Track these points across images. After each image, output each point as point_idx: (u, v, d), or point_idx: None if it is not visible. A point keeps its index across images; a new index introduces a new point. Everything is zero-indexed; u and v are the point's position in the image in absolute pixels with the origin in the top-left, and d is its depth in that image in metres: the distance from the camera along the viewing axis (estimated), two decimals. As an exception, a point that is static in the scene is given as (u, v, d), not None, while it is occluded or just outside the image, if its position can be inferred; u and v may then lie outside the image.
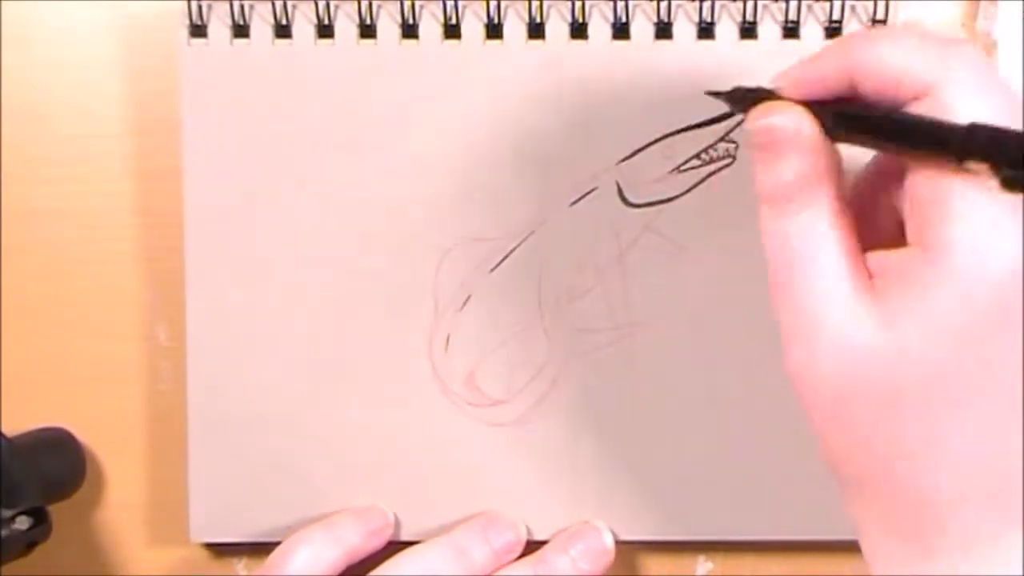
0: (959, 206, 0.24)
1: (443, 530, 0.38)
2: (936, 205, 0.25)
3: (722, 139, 0.38)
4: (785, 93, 0.28)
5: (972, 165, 0.24)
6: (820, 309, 0.26)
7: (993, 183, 0.23)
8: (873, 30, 0.27)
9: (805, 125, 0.27)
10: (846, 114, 0.27)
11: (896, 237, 0.27)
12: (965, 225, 0.24)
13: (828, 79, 0.27)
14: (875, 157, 0.29)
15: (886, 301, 0.26)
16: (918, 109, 0.25)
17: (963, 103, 0.25)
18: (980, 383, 0.25)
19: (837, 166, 0.28)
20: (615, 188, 0.38)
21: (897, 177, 0.27)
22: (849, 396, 0.26)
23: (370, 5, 0.38)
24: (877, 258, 0.27)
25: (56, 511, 0.37)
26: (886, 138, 0.27)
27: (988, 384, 0.25)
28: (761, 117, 0.28)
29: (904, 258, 0.26)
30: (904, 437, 0.25)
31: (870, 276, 0.27)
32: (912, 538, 0.26)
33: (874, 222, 0.28)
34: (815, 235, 0.27)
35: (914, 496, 0.26)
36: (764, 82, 0.38)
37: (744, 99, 0.30)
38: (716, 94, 0.32)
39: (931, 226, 0.25)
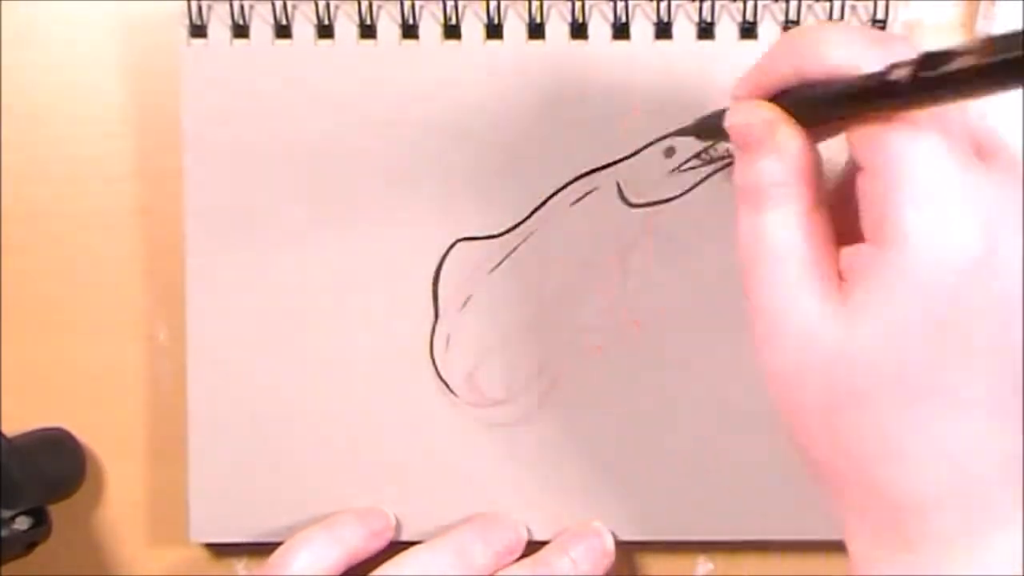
0: (908, 198, 0.24)
1: (443, 530, 0.38)
2: (886, 198, 0.25)
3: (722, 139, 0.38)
4: (739, 94, 0.29)
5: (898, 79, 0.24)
6: (785, 308, 0.26)
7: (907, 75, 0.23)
8: (814, 26, 0.28)
9: (779, 122, 0.27)
10: (804, 97, 0.27)
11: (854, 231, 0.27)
12: (915, 217, 0.24)
13: (781, 80, 0.28)
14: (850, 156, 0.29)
15: (849, 300, 0.25)
16: None
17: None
18: (944, 380, 0.25)
19: (815, 166, 0.28)
20: (615, 188, 0.38)
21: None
22: (816, 397, 0.26)
23: (370, 5, 0.38)
24: (843, 256, 0.27)
25: (56, 511, 0.37)
26: (841, 105, 0.26)
27: (953, 380, 0.25)
28: (738, 115, 0.28)
29: (863, 254, 0.26)
30: (873, 438, 0.25)
31: (840, 276, 0.26)
32: (891, 539, 0.26)
33: (852, 221, 0.28)
34: (785, 234, 0.27)
35: (889, 497, 0.26)
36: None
37: (713, 126, 0.31)
38: (682, 132, 0.34)
39: (884, 220, 0.25)
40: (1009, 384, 0.25)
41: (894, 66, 0.24)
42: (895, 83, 0.24)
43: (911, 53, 0.24)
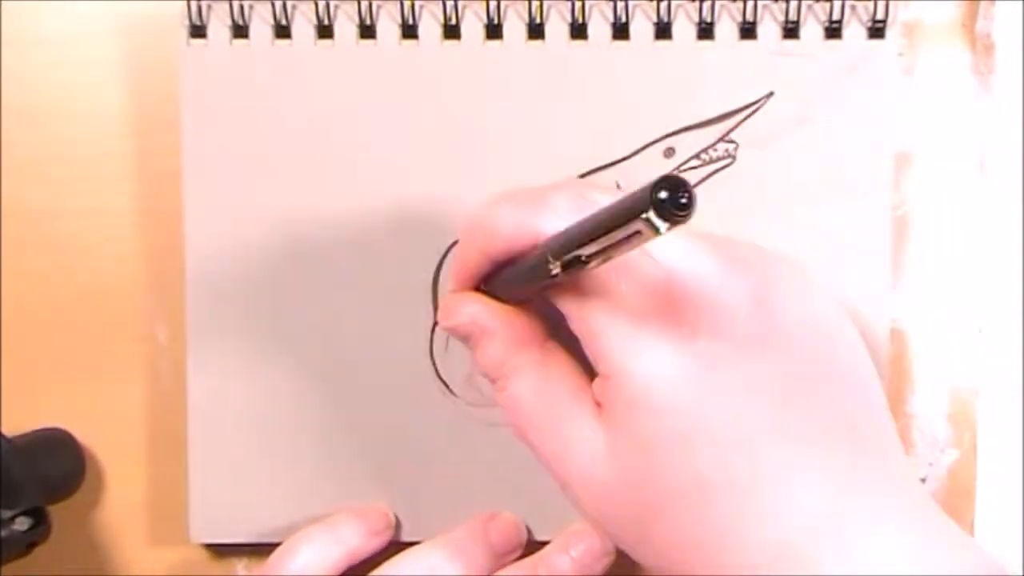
0: (602, 339, 0.27)
1: (443, 530, 0.38)
2: (589, 339, 0.28)
3: (722, 139, 0.38)
4: (453, 290, 0.31)
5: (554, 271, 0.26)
6: (565, 455, 0.28)
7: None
8: (480, 208, 0.30)
9: (482, 313, 0.30)
10: (501, 280, 0.30)
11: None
12: (612, 356, 0.27)
13: (477, 268, 0.30)
14: None
15: (607, 430, 0.27)
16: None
17: (556, 226, 0.27)
18: (679, 494, 0.26)
19: (533, 325, 0.30)
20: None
21: None
22: (622, 515, 0.28)
23: (370, 5, 0.38)
24: (594, 387, 0.28)
25: (56, 511, 0.37)
26: (530, 285, 0.29)
27: (687, 491, 0.26)
28: (448, 318, 0.31)
29: (600, 386, 0.28)
30: (656, 553, 0.27)
31: (598, 404, 0.28)
32: None
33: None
34: (536, 394, 0.29)
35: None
36: (764, 83, 0.38)
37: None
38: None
39: (596, 358, 0.28)
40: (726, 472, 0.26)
41: (550, 263, 0.26)
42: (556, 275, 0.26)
43: (564, 219, 0.27)
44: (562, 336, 0.30)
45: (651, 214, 0.22)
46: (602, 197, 0.28)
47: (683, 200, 0.22)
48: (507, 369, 0.30)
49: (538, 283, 0.28)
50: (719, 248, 0.28)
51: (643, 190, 0.23)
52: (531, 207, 0.28)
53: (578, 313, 0.28)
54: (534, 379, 0.29)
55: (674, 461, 0.26)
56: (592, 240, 0.25)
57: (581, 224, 0.25)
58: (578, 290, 0.28)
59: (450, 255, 0.39)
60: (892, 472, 0.27)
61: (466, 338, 0.31)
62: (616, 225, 0.24)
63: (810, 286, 0.28)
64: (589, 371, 0.29)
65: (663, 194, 0.22)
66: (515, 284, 0.30)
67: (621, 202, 0.23)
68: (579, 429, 0.28)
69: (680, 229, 0.23)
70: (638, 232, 0.23)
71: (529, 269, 0.28)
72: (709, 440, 0.26)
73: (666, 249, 0.27)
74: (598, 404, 0.28)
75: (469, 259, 0.30)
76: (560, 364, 0.30)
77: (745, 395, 0.26)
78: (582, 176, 0.38)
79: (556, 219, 0.27)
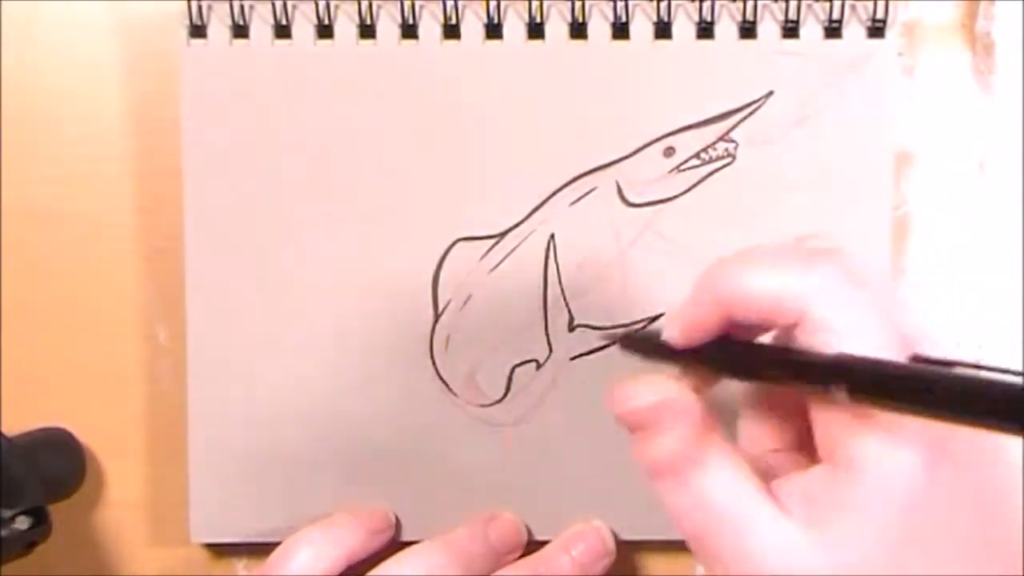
0: (856, 423, 0.25)
1: (443, 530, 0.38)
2: (836, 422, 0.25)
3: (722, 138, 0.38)
4: (673, 343, 0.28)
5: (836, 395, 0.24)
6: (761, 560, 0.26)
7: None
8: (735, 259, 0.27)
9: (674, 394, 0.27)
10: (722, 358, 0.28)
11: (790, 444, 0.28)
12: (863, 442, 0.25)
13: (709, 321, 0.27)
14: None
15: (818, 525, 0.25)
16: (798, 332, 0.26)
17: (833, 319, 0.25)
18: None
19: (713, 412, 0.27)
20: (615, 188, 0.38)
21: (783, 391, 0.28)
22: None
23: (370, 5, 0.38)
24: (789, 483, 0.26)
25: (56, 511, 0.37)
26: (761, 375, 0.27)
27: None
28: (626, 401, 0.28)
29: (824, 478, 0.26)
30: None
31: (776, 499, 0.26)
32: None
33: (768, 434, 0.29)
34: (724, 492, 0.26)
35: None
36: (764, 82, 0.38)
37: (638, 343, 0.31)
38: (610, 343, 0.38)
39: (838, 444, 0.25)
40: None
41: (832, 385, 0.24)
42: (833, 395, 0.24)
43: (832, 270, 0.25)
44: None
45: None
46: (863, 272, 0.26)
47: None
48: (693, 461, 0.27)
49: (803, 387, 0.26)
50: None
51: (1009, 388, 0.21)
52: (795, 275, 0.26)
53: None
54: (727, 472, 0.27)
55: (912, 557, 0.25)
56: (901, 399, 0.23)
57: (899, 371, 0.24)
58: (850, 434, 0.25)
59: (451, 254, 0.39)
60: None
61: (645, 425, 0.27)
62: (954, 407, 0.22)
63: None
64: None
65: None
66: (769, 372, 0.27)
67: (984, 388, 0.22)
68: (772, 525, 0.26)
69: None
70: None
71: (801, 379, 0.26)
72: (933, 541, 0.25)
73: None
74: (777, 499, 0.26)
75: (704, 317, 0.27)
76: (740, 456, 0.27)
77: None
78: (581, 176, 0.38)
79: (823, 295, 0.25)
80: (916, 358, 0.24)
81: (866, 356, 0.24)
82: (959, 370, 0.23)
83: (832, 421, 0.25)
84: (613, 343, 0.38)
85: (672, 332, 0.28)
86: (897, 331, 0.25)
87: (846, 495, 0.25)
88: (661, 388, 0.27)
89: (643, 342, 0.31)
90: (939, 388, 0.23)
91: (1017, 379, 0.22)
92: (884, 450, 0.25)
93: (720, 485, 0.27)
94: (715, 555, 0.27)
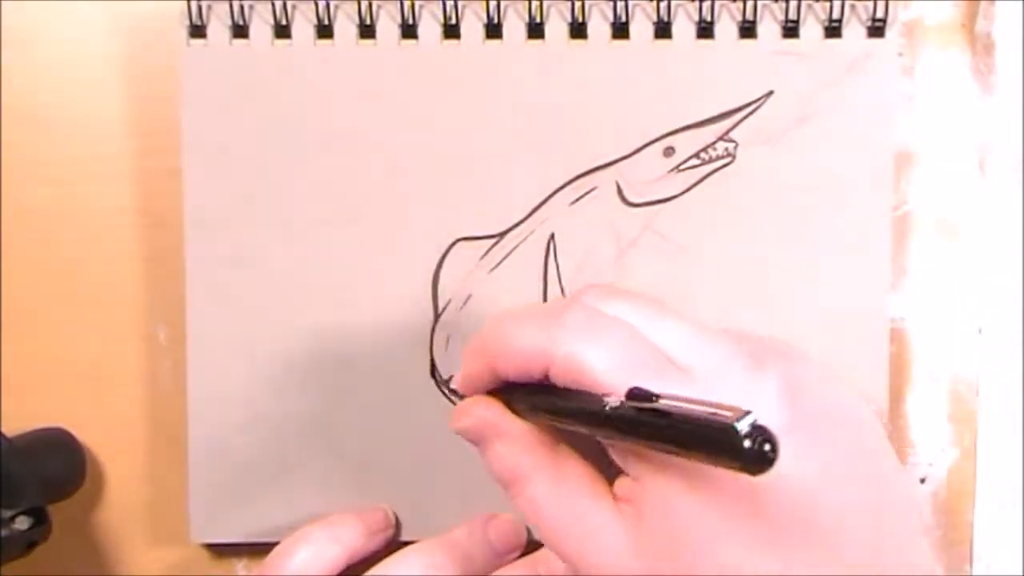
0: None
1: (443, 530, 0.38)
2: (615, 450, 0.28)
3: (721, 138, 0.38)
4: (462, 392, 0.31)
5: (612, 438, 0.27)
6: (589, 553, 0.27)
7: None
8: (495, 320, 0.29)
9: (492, 415, 0.29)
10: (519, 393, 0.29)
11: None
12: (642, 461, 0.27)
13: (487, 383, 0.30)
14: None
15: (632, 527, 0.27)
16: (554, 376, 0.27)
17: (582, 362, 0.27)
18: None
19: (546, 427, 0.29)
20: (615, 188, 0.38)
21: None
22: None
23: (370, 5, 0.38)
24: (619, 485, 0.28)
25: (56, 511, 0.37)
26: (548, 417, 0.29)
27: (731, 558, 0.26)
28: (454, 422, 0.30)
29: (627, 487, 0.28)
30: None
31: (616, 499, 0.28)
32: None
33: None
34: (553, 496, 0.28)
35: None
36: (764, 82, 0.38)
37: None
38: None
39: (625, 463, 0.27)
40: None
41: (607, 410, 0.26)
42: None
43: (575, 320, 0.27)
44: (570, 437, 0.29)
45: (736, 462, 0.22)
46: (618, 305, 0.28)
47: (769, 452, 0.22)
48: (521, 473, 0.29)
49: (589, 426, 0.27)
50: (739, 344, 0.28)
51: (725, 431, 0.23)
52: (543, 329, 0.28)
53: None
54: (550, 481, 0.29)
55: (700, 558, 0.26)
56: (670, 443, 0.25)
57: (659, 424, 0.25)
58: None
59: (451, 254, 0.39)
60: (915, 561, 0.26)
61: (477, 441, 0.30)
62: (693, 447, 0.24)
63: (830, 375, 0.28)
64: (602, 469, 0.29)
65: (747, 443, 0.22)
66: (555, 416, 0.29)
67: (704, 431, 0.23)
68: (601, 527, 0.27)
69: (696, 325, 0.25)
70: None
71: (579, 411, 0.27)
72: (738, 540, 0.25)
73: (686, 353, 0.27)
74: (616, 500, 0.28)
75: (479, 374, 0.30)
76: (574, 465, 0.29)
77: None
78: (581, 176, 0.38)
79: (572, 338, 0.27)
80: (631, 391, 0.25)
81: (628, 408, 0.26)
82: (662, 403, 0.25)
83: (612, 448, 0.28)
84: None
85: (457, 385, 0.32)
86: (627, 358, 0.27)
87: (645, 502, 0.27)
88: (484, 410, 0.30)
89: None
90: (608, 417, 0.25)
91: (721, 415, 0.23)
92: (661, 461, 0.26)
93: (547, 491, 0.28)
94: (559, 555, 0.28)
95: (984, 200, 0.40)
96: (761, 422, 0.23)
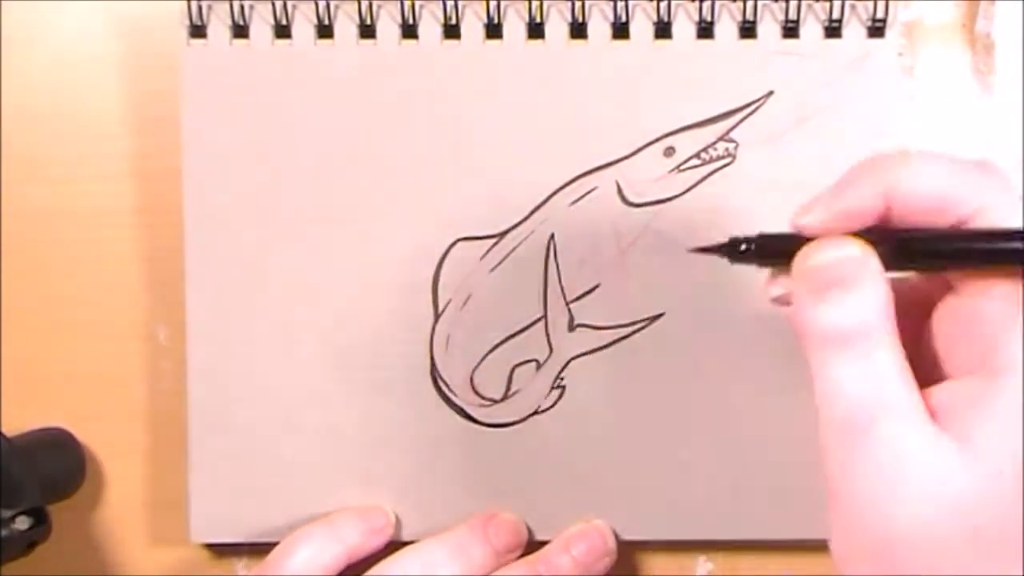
0: (1015, 327, 0.24)
1: (443, 530, 0.38)
2: (1001, 326, 0.24)
3: (722, 138, 0.38)
4: (811, 233, 0.26)
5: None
6: (905, 459, 0.24)
7: None
8: (902, 154, 0.26)
9: (870, 257, 0.25)
10: (904, 240, 0.26)
11: (929, 368, 0.26)
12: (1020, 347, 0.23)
13: (861, 209, 0.26)
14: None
15: (966, 436, 0.24)
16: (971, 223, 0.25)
17: (1006, 221, 0.24)
18: None
19: (891, 300, 0.26)
20: (615, 188, 0.38)
21: (926, 307, 0.27)
22: (960, 548, 0.24)
23: (370, 5, 0.38)
24: (937, 392, 0.25)
25: (56, 511, 0.37)
26: (949, 260, 0.25)
27: None
28: (819, 253, 0.26)
29: (974, 387, 0.24)
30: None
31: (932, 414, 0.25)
32: None
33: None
34: (890, 377, 0.25)
35: None
36: (764, 82, 0.38)
37: (747, 248, 0.29)
38: (705, 249, 0.30)
39: (990, 349, 0.24)
40: None
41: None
42: None
43: (1008, 181, 0.25)
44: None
45: None
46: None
47: None
48: (874, 333, 0.25)
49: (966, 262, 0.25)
50: None
51: None
52: (973, 174, 0.25)
53: (988, 292, 0.24)
54: (896, 356, 0.25)
55: None
56: None
57: None
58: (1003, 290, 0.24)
59: (451, 254, 0.39)
60: None
61: (835, 284, 0.25)
62: None
63: None
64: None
65: None
66: (932, 253, 0.25)
67: None
68: (925, 429, 0.24)
69: None
70: None
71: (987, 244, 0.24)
72: None
73: None
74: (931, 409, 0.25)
75: (856, 204, 0.25)
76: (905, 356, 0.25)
77: None
78: (581, 176, 0.38)
79: (1000, 197, 0.25)
80: None
81: None
82: None
83: (987, 325, 0.24)
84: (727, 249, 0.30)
85: (810, 218, 0.26)
86: None
87: (999, 404, 0.23)
88: (861, 249, 0.25)
89: (771, 240, 0.28)
90: None
91: None
92: None
93: (882, 370, 0.25)
94: (846, 446, 0.25)
95: (984, 200, 0.40)
96: None
